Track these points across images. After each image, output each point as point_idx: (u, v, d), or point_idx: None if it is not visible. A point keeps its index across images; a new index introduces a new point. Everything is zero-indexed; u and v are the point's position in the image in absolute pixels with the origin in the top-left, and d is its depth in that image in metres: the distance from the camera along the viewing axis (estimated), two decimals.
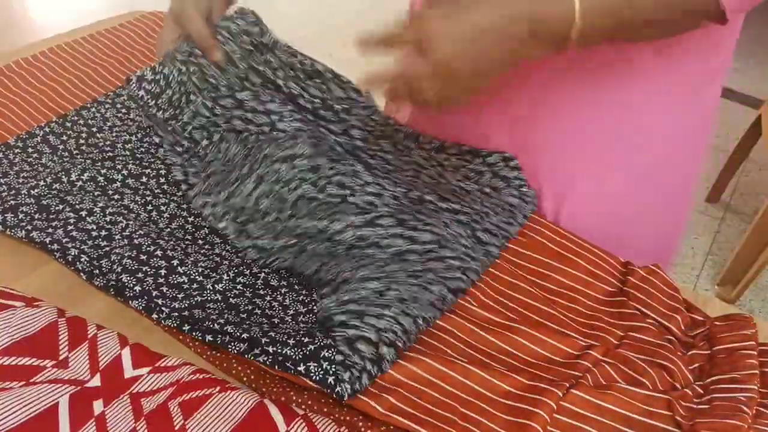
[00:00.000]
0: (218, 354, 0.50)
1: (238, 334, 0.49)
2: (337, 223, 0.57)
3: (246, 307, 0.52)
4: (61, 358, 0.47)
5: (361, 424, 0.45)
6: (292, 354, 0.46)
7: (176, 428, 0.43)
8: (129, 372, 0.47)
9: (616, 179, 0.68)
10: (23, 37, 2.49)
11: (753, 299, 1.84)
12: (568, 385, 0.48)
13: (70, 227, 0.57)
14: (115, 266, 0.54)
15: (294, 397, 0.47)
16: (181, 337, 0.51)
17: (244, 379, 0.49)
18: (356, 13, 2.80)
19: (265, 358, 0.47)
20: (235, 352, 0.48)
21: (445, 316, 0.54)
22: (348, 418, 0.46)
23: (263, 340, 0.48)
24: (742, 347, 0.52)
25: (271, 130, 0.64)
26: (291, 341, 0.47)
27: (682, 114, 0.67)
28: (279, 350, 0.47)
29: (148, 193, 0.63)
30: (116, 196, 0.62)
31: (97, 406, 0.44)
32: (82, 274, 0.54)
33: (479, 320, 0.54)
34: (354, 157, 0.65)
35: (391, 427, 0.45)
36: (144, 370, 0.47)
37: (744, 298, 1.83)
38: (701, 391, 0.50)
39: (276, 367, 0.46)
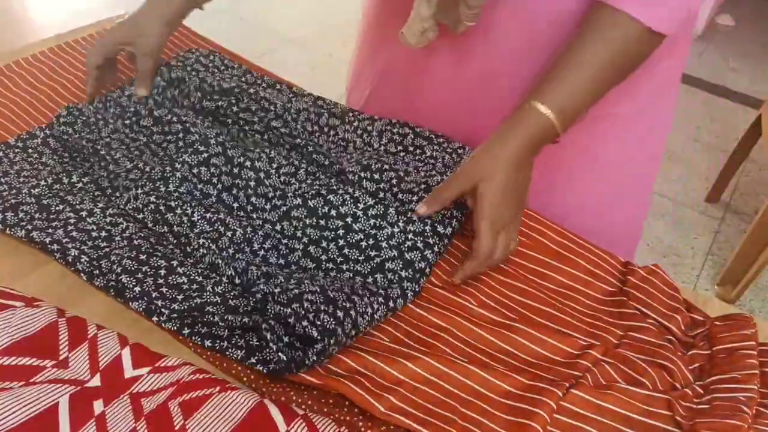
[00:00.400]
0: (218, 356, 0.50)
1: (235, 340, 0.49)
2: (252, 221, 0.61)
3: (245, 308, 0.52)
4: (61, 358, 0.47)
5: (361, 424, 0.45)
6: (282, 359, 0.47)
7: (176, 428, 0.43)
8: (129, 372, 0.47)
9: (577, 184, 0.72)
10: (23, 37, 2.49)
11: (753, 299, 1.84)
12: (568, 384, 0.48)
13: (70, 227, 0.57)
14: (114, 267, 0.54)
15: (294, 397, 0.47)
16: (180, 337, 0.51)
17: (244, 379, 0.49)
18: (356, 13, 2.80)
19: (262, 367, 0.48)
20: (233, 358, 0.49)
21: (445, 316, 0.54)
22: (348, 418, 0.46)
23: (263, 344, 0.48)
24: (742, 347, 0.52)
25: (185, 135, 0.68)
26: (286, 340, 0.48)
27: (639, 125, 0.69)
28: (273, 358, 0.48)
29: None
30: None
31: (97, 406, 0.44)
32: (82, 274, 0.54)
33: (479, 320, 0.54)
34: (277, 146, 0.69)
35: (392, 427, 0.45)
36: (144, 370, 0.47)
37: (744, 298, 1.83)
38: (701, 391, 0.50)
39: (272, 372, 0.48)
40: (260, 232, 0.59)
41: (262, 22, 2.83)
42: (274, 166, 0.64)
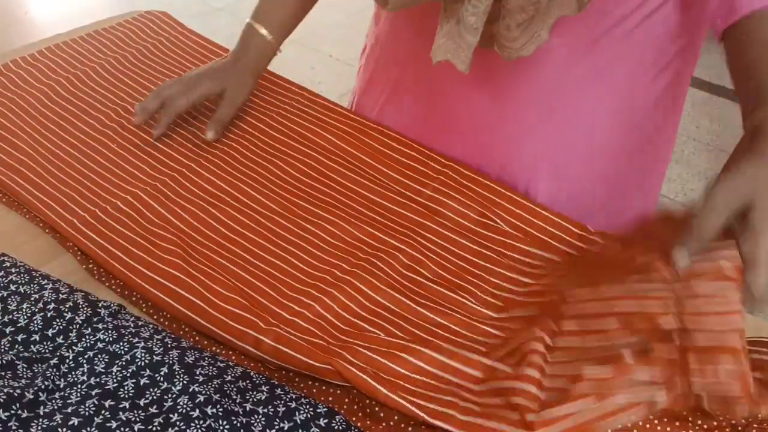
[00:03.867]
0: (219, 351, 0.50)
1: None
2: None
3: None
4: None
5: (361, 423, 0.45)
6: None
7: None
8: None
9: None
10: (23, 37, 2.50)
11: None
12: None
13: None
14: None
15: None
16: (180, 333, 0.51)
17: None
18: (357, 13, 2.81)
19: None
20: None
21: (445, 315, 0.53)
22: (348, 417, 0.46)
23: None
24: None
25: None
26: None
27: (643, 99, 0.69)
28: None
29: None
30: None
31: None
32: None
33: (479, 317, 0.54)
34: None
35: (391, 424, 0.45)
36: None
37: None
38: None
39: None
40: None
41: None
42: None
